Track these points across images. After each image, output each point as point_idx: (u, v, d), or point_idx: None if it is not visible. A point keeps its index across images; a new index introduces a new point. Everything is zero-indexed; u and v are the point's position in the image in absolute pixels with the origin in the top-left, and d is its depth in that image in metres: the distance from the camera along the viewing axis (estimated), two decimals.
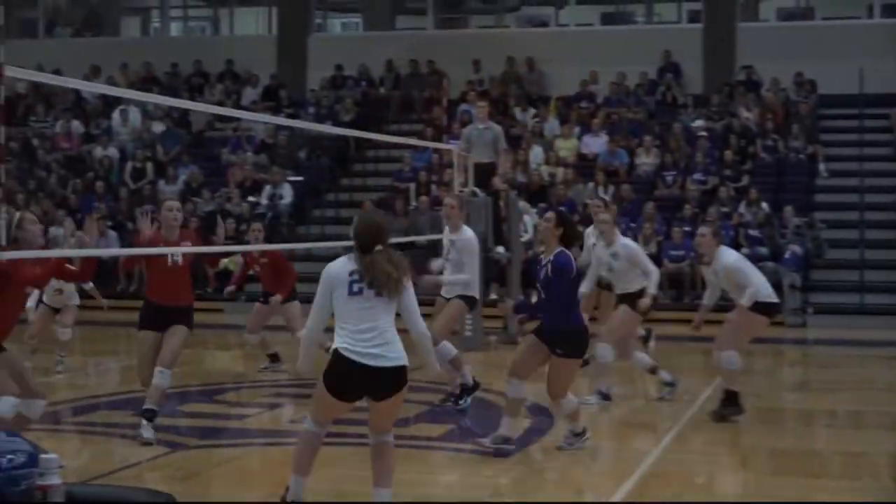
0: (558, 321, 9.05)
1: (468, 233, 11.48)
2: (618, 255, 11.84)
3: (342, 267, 7.08)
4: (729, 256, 11.25)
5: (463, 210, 11.74)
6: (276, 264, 14.09)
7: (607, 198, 18.80)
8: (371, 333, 6.93)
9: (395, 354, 6.95)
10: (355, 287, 6.99)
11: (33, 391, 8.44)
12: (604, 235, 12.09)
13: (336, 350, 6.98)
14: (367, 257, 7.01)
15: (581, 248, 12.07)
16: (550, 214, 9.45)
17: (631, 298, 11.79)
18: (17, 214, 8.55)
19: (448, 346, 11.09)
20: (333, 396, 7.07)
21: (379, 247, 7.03)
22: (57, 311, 13.91)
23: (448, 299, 11.45)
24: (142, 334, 9.89)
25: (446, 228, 11.65)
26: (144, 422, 9.60)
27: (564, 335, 9.08)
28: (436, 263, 11.42)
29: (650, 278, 11.69)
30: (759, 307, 10.99)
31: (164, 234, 9.91)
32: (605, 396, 11.85)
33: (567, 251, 9.18)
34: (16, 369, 8.39)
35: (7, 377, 8.26)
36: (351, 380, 6.99)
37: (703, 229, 11.47)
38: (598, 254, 12.18)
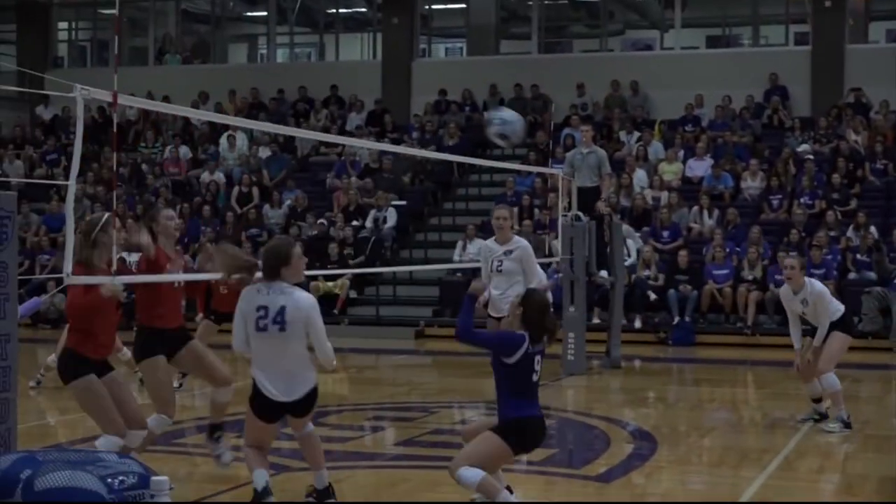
0: None
1: (522, 240, 11.75)
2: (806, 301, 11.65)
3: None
4: (817, 284, 11.75)
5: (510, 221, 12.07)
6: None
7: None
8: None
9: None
10: (261, 323, 7.57)
11: (137, 421, 8.36)
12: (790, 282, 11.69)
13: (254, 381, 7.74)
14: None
15: None
16: None
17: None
18: (104, 216, 8.24)
19: None
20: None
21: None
22: None
23: (499, 318, 11.48)
24: (157, 360, 8.88)
25: (485, 242, 12.06)
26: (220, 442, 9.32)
27: None
28: (479, 283, 11.07)
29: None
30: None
31: (162, 247, 8.97)
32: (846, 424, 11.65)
33: None
34: (120, 395, 8.26)
35: (112, 406, 8.11)
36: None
37: (791, 261, 11.72)
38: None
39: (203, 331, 14.05)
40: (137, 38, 34.46)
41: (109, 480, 5.84)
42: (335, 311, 22.71)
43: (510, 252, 11.73)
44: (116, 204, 9.27)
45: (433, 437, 11.41)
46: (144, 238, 8.85)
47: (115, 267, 8.16)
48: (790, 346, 12.20)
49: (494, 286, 11.84)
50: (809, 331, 11.87)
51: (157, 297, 8.87)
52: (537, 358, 7.63)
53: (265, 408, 7.72)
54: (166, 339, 8.91)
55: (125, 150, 28.63)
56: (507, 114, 12.64)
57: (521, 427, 7.58)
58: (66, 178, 7.64)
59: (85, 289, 7.95)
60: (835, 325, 11.62)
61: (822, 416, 11.83)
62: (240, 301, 7.67)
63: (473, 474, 7.40)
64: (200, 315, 14.24)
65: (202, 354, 9.16)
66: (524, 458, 9.98)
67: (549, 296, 10.41)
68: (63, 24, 35.47)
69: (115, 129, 9.84)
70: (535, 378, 7.64)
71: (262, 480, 7.81)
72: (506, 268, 11.72)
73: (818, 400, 11.87)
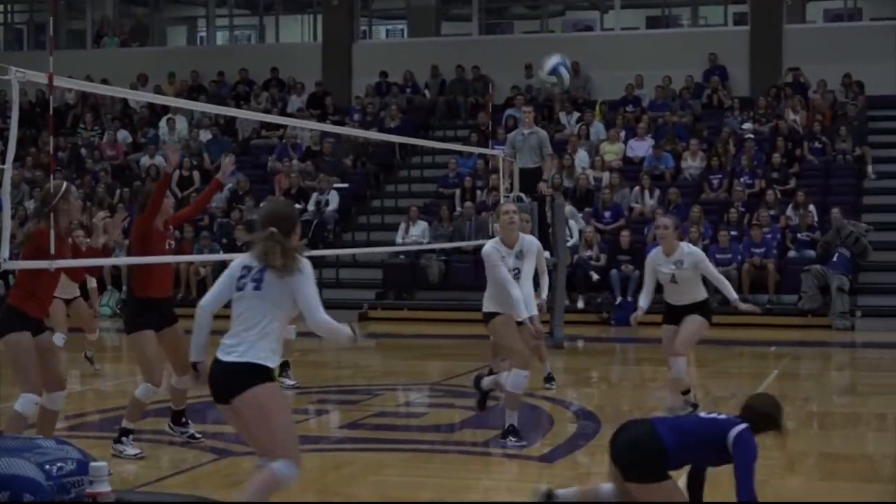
0: None
1: (529, 236, 10.44)
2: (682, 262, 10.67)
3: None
4: (694, 247, 11.02)
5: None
6: None
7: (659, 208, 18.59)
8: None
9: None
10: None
11: (59, 382, 8.56)
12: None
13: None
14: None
15: None
16: None
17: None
18: (64, 185, 8.53)
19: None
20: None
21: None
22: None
23: (520, 323, 9.87)
24: (147, 335, 9.36)
25: (492, 241, 10.19)
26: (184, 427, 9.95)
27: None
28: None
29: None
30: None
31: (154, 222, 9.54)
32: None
33: None
34: (46, 356, 8.43)
35: (35, 367, 8.27)
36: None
37: (665, 220, 10.87)
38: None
39: None
40: (75, 20, 34.07)
41: (48, 467, 5.80)
42: None
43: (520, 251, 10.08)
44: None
45: (377, 420, 11.40)
46: (101, 240, 8.88)
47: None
48: (732, 325, 12.28)
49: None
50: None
51: (149, 267, 9.35)
52: None
53: None
54: (155, 310, 9.40)
55: (63, 134, 28.33)
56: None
57: None
58: (3, 162, 7.56)
59: (37, 251, 8.13)
60: (695, 308, 10.81)
61: (695, 406, 10.96)
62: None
63: None
64: None
65: (179, 341, 9.42)
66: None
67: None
68: None
69: (51, 113, 9.76)
70: None
71: None
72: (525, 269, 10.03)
73: (686, 392, 11.05)
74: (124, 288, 9.60)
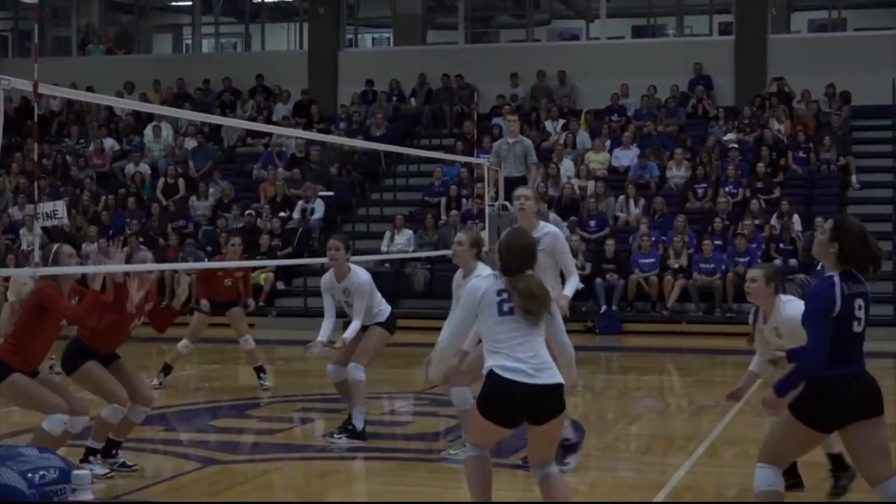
0: None
1: (551, 226, 9.72)
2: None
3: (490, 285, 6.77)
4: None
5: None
6: (247, 277, 14.38)
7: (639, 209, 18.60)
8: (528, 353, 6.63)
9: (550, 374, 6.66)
10: (505, 307, 6.68)
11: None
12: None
13: (492, 371, 6.63)
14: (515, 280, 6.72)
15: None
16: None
17: None
18: (54, 248, 8.35)
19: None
20: (491, 421, 6.71)
21: (528, 271, 6.77)
22: None
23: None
24: (89, 365, 8.84)
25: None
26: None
27: None
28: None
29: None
30: None
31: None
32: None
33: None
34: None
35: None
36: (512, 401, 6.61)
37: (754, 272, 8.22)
38: None
39: (196, 324, 13.97)
40: (60, 28, 34.02)
41: (30, 475, 5.78)
42: (260, 303, 22.65)
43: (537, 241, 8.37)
44: (39, 195, 9.17)
45: None
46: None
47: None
48: (716, 334, 12.31)
49: None
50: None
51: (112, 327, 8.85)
52: (859, 302, 6.48)
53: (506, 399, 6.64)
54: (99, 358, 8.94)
55: (49, 141, 28.28)
56: None
57: (826, 391, 6.44)
58: None
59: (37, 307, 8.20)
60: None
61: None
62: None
63: None
64: (204, 301, 14.03)
65: (130, 374, 9.08)
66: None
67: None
68: None
69: (36, 120, 9.74)
70: (857, 328, 6.49)
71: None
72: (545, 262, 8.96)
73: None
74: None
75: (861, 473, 6.81)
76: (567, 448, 9.14)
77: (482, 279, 6.91)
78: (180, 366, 14.59)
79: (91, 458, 8.99)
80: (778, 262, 21.13)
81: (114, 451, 9.07)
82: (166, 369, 13.84)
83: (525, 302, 6.61)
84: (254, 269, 22.38)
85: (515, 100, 27.60)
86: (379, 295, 10.68)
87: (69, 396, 8.41)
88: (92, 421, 8.73)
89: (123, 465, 9.10)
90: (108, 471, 8.95)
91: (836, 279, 6.44)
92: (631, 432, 11.42)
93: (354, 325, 10.32)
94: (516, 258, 6.78)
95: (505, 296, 6.68)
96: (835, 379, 6.43)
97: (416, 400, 13.52)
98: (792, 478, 8.33)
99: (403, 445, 10.68)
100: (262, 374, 13.90)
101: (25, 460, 5.90)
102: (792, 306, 7.74)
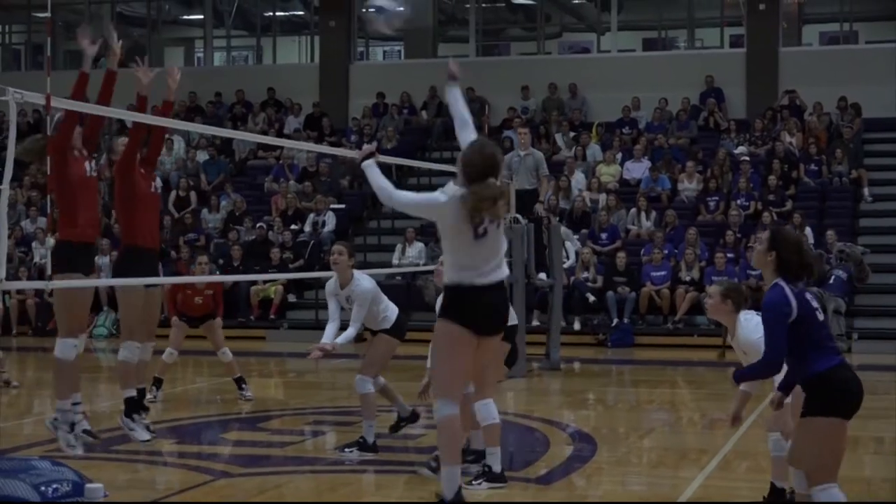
0: None
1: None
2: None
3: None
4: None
5: None
6: (217, 294, 14.32)
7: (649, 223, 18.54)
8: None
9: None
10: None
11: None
12: None
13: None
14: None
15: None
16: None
17: None
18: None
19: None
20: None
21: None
22: None
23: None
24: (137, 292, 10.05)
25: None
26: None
27: None
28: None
29: None
30: None
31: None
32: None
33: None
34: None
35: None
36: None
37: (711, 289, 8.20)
38: None
39: (176, 332, 13.97)
40: (72, 41, 34.09)
41: (43, 488, 5.78)
42: (271, 316, 22.70)
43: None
44: (51, 209, 9.28)
45: None
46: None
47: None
48: (728, 347, 12.23)
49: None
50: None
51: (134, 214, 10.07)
52: (809, 296, 6.76)
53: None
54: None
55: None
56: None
57: (835, 382, 6.65)
58: (0, 182, 7.56)
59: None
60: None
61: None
62: None
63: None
64: (174, 317, 14.07)
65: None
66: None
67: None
68: None
69: (48, 133, 9.77)
70: (820, 317, 6.77)
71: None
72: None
73: None
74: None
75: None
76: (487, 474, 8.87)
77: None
78: (191, 379, 14.60)
79: (135, 416, 9.63)
80: None
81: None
82: (157, 383, 13.81)
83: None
84: (264, 281, 22.49)
85: (526, 112, 27.62)
86: (386, 300, 10.61)
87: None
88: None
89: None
90: (150, 437, 9.42)
91: (782, 283, 6.70)
92: (643, 445, 11.39)
93: (347, 333, 10.24)
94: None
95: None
96: (832, 369, 6.63)
97: (427, 413, 13.49)
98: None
99: (415, 458, 10.65)
100: (242, 385, 13.94)
101: (38, 473, 5.91)
102: (748, 326, 7.69)
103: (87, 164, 9.71)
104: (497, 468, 8.76)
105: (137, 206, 9.91)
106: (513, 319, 8.94)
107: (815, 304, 6.75)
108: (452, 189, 7.32)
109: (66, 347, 9.27)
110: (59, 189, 9.38)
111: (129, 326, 10.05)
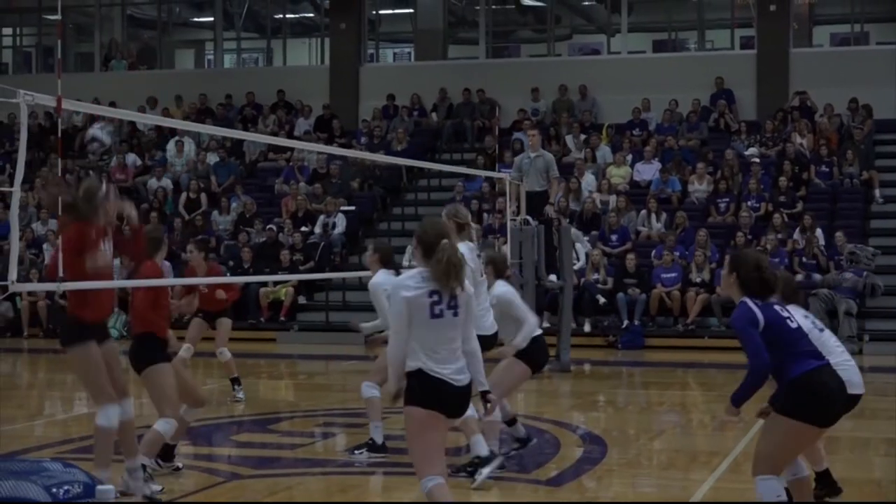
0: None
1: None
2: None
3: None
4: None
5: None
6: (234, 290, 14.50)
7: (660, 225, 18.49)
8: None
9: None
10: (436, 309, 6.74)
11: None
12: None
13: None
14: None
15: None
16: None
17: None
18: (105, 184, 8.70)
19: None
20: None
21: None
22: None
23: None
24: (165, 367, 9.12)
25: None
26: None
27: None
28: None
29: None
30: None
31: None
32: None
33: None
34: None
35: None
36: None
37: None
38: None
39: (194, 329, 13.82)
40: (83, 44, 34.19)
41: (54, 490, 5.78)
42: (281, 318, 22.72)
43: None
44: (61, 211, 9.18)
45: None
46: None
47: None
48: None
49: None
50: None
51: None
52: (776, 307, 7.10)
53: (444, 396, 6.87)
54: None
55: (71, 156, 28.39)
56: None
57: (805, 386, 6.96)
58: (11, 184, 7.58)
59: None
60: None
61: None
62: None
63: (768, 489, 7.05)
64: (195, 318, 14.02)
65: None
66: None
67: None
68: (7, 31, 35.15)
69: (59, 135, 9.78)
70: (792, 324, 7.07)
71: None
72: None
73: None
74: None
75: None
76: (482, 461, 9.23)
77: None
78: (202, 380, 14.61)
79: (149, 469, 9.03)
80: (800, 276, 21.07)
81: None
82: (235, 381, 14.03)
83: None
84: (275, 283, 22.51)
85: (536, 114, 27.61)
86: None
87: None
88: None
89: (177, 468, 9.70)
90: (161, 487, 8.91)
91: (746, 299, 7.04)
92: (653, 447, 11.38)
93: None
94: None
95: (436, 297, 6.76)
96: (807, 373, 6.96)
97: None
98: (826, 486, 8.38)
99: None
100: (236, 386, 14.00)
101: (50, 475, 5.91)
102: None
103: (105, 244, 8.76)
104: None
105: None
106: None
107: (784, 313, 7.10)
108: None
109: (108, 414, 8.46)
110: (74, 270, 8.21)
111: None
